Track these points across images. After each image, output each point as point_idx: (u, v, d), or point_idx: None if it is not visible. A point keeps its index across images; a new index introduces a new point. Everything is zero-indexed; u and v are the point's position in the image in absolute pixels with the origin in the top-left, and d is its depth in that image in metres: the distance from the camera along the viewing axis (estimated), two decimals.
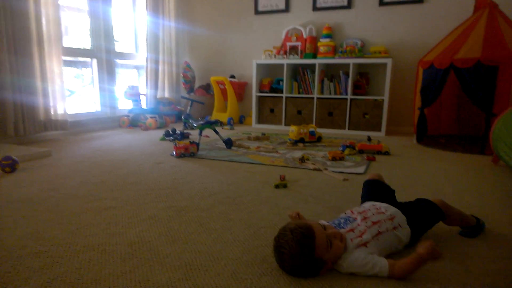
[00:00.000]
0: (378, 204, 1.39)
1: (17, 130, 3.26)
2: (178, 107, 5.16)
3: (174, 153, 2.89)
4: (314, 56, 4.57)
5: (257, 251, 1.33)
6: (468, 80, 3.10)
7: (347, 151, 3.03)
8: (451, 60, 3.16)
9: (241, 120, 5.26)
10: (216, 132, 3.29)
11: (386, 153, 3.08)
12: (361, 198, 1.57)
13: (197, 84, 5.49)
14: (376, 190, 1.54)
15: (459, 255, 1.31)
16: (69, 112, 3.78)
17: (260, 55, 4.93)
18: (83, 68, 4.36)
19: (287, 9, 4.88)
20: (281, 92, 4.72)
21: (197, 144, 3.00)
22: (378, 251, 1.21)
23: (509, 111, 2.51)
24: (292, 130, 3.57)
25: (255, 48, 5.11)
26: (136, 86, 4.69)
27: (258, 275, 1.16)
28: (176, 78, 5.27)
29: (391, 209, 1.34)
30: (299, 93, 4.67)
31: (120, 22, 4.79)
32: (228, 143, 3.28)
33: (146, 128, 4.37)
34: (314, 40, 4.62)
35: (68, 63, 4.02)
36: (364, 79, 4.47)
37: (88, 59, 4.27)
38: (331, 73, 4.61)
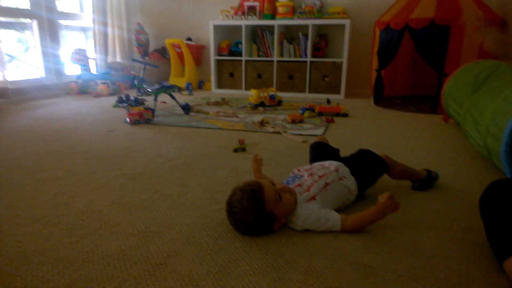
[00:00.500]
0: (322, 162, 1.41)
1: None
2: (133, 72, 4.92)
3: (128, 120, 2.76)
4: (273, 17, 4.45)
5: (213, 215, 1.29)
6: (422, 40, 3.14)
7: (306, 114, 3.02)
8: (406, 21, 3.17)
9: (200, 85, 5.11)
10: (173, 97, 3.17)
11: (345, 115, 3.11)
12: (309, 163, 1.57)
13: (151, 48, 5.23)
14: (320, 151, 1.57)
15: (409, 208, 1.35)
16: (9, 79, 3.49)
17: (217, 15, 4.73)
18: (26, 32, 4.00)
19: None
20: (240, 55, 4.60)
21: (153, 110, 2.87)
22: (330, 203, 1.24)
23: (460, 70, 2.57)
24: (252, 94, 3.50)
25: (211, 8, 4.89)
26: (83, 49, 4.39)
27: (214, 238, 1.13)
28: (128, 41, 4.98)
29: (335, 163, 1.37)
30: (258, 56, 4.57)
31: None
32: (186, 108, 3.18)
33: (98, 95, 4.14)
34: (273, 0, 4.48)
35: (6, 25, 3.67)
36: (323, 41, 4.43)
37: (28, 20, 3.92)
38: (290, 35, 4.53)
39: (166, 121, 2.89)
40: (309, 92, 4.38)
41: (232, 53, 4.69)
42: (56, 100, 3.85)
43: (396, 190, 1.49)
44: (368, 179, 1.40)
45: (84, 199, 1.43)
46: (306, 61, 4.30)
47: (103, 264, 1.00)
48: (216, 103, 3.68)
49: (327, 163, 1.39)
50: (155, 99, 3.02)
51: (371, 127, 2.72)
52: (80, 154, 2.01)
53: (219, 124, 2.78)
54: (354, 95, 4.42)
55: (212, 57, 4.66)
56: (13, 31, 3.91)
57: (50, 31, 4.06)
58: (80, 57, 4.33)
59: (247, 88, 4.56)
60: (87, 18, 4.73)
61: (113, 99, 3.66)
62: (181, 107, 3.17)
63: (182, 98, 4.05)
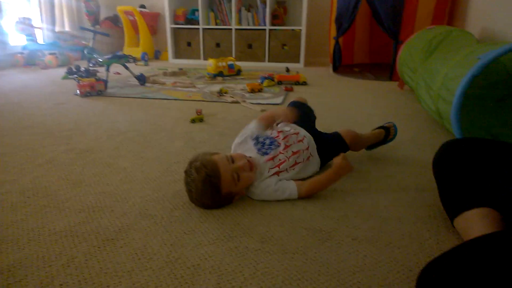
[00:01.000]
0: (299, 129, 1.36)
1: None
2: (83, 41, 4.64)
3: (78, 92, 2.61)
4: None
5: (168, 187, 1.26)
6: (378, 7, 3.14)
7: (265, 83, 2.99)
8: None
9: (157, 55, 4.92)
10: (126, 68, 3.02)
11: (304, 83, 3.10)
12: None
13: (102, 16, 4.93)
14: (300, 111, 1.48)
15: (364, 173, 1.37)
16: None
17: None
18: None
19: None
20: (197, 23, 4.44)
21: (105, 82, 2.73)
22: (290, 178, 1.23)
23: (413, 36, 2.61)
24: (210, 64, 3.41)
25: None
26: (28, 18, 4.07)
27: (169, 210, 1.10)
28: (77, 9, 4.67)
29: (308, 137, 1.33)
30: (216, 24, 4.43)
31: None
32: (141, 79, 3.05)
33: (46, 67, 3.88)
34: None
35: None
36: (282, 8, 4.35)
37: None
38: (248, 2, 4.40)
39: (120, 92, 2.76)
40: (269, 61, 4.33)
41: (189, 21, 4.52)
42: (0, 73, 3.58)
43: (349, 154, 1.51)
44: (328, 159, 1.38)
45: (30, 176, 1.35)
46: (265, 29, 4.23)
47: (50, 242, 0.95)
48: (173, 74, 3.55)
49: (302, 133, 1.33)
50: (107, 70, 2.87)
51: (329, 95, 2.74)
52: (26, 129, 1.88)
53: (176, 95, 2.69)
54: (314, 63, 4.42)
55: (168, 25, 4.47)
56: None
57: None
58: (25, 26, 4.01)
59: (205, 58, 4.44)
60: None
61: (63, 71, 3.45)
62: (136, 78, 3.04)
63: (138, 69, 3.88)
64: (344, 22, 3.44)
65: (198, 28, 4.43)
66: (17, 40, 4.13)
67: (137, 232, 0.99)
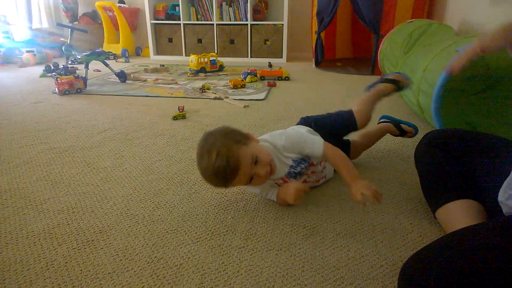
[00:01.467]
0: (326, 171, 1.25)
1: None
2: (62, 38, 4.53)
3: (57, 90, 2.54)
4: None
5: (150, 186, 1.24)
6: (358, 1, 3.15)
7: (248, 79, 2.98)
8: None
9: (138, 52, 4.84)
10: (106, 65, 2.96)
11: (286, 78, 3.10)
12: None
13: (81, 12, 4.82)
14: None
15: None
16: None
17: None
18: None
19: None
20: (178, 19, 4.38)
21: (84, 79, 2.67)
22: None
23: (394, 30, 2.63)
24: (192, 60, 3.38)
25: None
26: (3, 15, 3.95)
27: (151, 209, 1.08)
28: (54, 5, 4.55)
29: (329, 173, 1.26)
30: (197, 19, 4.38)
31: None
32: (122, 76, 2.99)
33: (23, 65, 3.78)
34: None
35: None
36: (263, 3, 4.33)
37: None
38: None
39: (100, 90, 2.71)
40: (251, 56, 4.31)
41: (169, 16, 4.46)
42: None
43: None
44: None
45: (7, 177, 1.31)
46: (247, 24, 4.20)
47: (28, 245, 0.93)
48: (155, 70, 3.51)
49: (325, 173, 1.24)
50: (86, 67, 2.81)
51: (312, 90, 2.74)
52: (2, 129, 1.83)
53: (158, 92, 2.65)
54: (296, 58, 4.42)
55: (148, 21, 4.40)
56: None
57: None
58: (1, 23, 3.89)
59: (187, 54, 4.39)
60: None
61: (41, 69, 3.37)
62: (116, 75, 2.98)
63: (118, 65, 3.82)
64: (326, 16, 3.44)
65: (179, 24, 4.37)
66: None
67: (118, 233, 0.97)
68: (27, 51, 3.90)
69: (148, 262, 0.86)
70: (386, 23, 3.07)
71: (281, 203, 1.11)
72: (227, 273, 0.82)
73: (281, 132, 1.14)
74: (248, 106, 2.25)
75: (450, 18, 2.85)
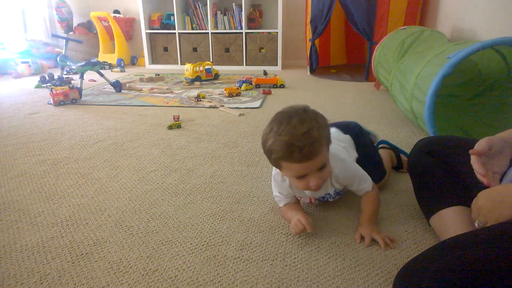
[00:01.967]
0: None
1: None
2: (57, 49, 4.53)
3: (52, 101, 2.54)
4: None
5: (145, 197, 1.23)
6: (351, 8, 3.18)
7: (243, 87, 2.99)
8: None
9: (133, 61, 4.84)
10: (101, 75, 2.97)
11: (282, 86, 3.11)
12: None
13: (76, 22, 4.84)
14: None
15: None
16: None
17: None
18: None
19: None
20: (173, 28, 4.40)
21: (79, 89, 2.67)
22: None
23: (387, 37, 2.65)
24: (187, 69, 3.38)
25: None
26: None
27: (146, 221, 1.08)
28: (49, 15, 4.56)
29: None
30: (192, 28, 4.40)
31: None
32: (117, 86, 2.99)
33: (18, 76, 3.78)
34: None
35: None
36: (257, 11, 4.36)
37: None
38: (224, 6, 4.40)
39: (95, 100, 2.71)
40: (246, 64, 4.33)
41: (164, 26, 4.48)
42: None
43: None
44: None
45: (1, 190, 1.30)
46: (241, 33, 4.22)
47: (21, 259, 0.92)
48: (150, 80, 3.51)
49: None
50: (81, 77, 2.81)
51: (307, 97, 2.75)
52: None
53: (153, 101, 2.66)
54: (291, 66, 4.44)
55: (143, 30, 4.41)
56: None
57: None
58: None
59: (182, 63, 4.41)
60: None
61: (36, 80, 3.36)
62: (111, 85, 2.99)
63: (114, 75, 3.82)
64: (319, 24, 3.47)
65: (174, 33, 4.39)
66: None
67: (113, 245, 0.97)
68: (22, 62, 3.89)
69: (143, 275, 0.85)
70: (379, 30, 3.09)
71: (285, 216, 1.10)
72: (222, 284, 0.82)
73: (343, 159, 1.04)
74: (243, 114, 2.26)
75: (442, 25, 2.88)
